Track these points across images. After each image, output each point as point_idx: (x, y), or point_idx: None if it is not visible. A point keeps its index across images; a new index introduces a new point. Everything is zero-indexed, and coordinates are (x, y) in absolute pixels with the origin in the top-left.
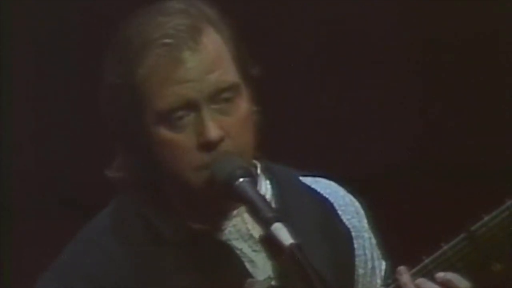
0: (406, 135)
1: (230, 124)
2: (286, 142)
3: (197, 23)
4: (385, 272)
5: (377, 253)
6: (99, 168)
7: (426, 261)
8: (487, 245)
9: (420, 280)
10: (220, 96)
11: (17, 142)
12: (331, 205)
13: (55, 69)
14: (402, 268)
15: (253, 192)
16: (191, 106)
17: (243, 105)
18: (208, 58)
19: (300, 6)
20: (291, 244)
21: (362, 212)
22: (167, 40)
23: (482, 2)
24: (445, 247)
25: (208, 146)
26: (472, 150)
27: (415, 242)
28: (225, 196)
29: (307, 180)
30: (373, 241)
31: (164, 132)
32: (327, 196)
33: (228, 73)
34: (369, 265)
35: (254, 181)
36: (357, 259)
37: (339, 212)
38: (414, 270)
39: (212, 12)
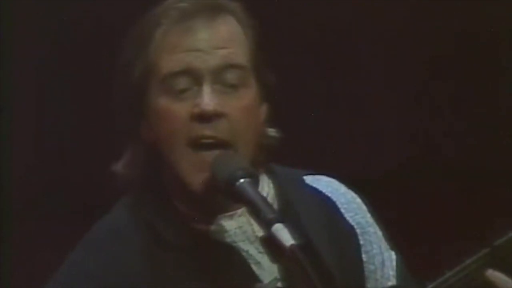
0: (406, 136)
1: (230, 107)
2: (287, 143)
3: (219, 5)
4: (397, 263)
5: (385, 245)
6: (99, 170)
7: (448, 274)
8: (510, 261)
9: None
10: (225, 75)
11: (17, 142)
12: (333, 203)
13: (56, 69)
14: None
15: (254, 193)
16: (194, 76)
17: (248, 97)
18: (220, 34)
19: (303, 6)
20: (292, 245)
21: (364, 207)
22: (183, 5)
23: (482, 2)
24: (468, 262)
25: (201, 116)
26: (474, 150)
27: (416, 243)
28: (226, 196)
29: (309, 179)
30: (379, 233)
31: (164, 101)
32: (329, 195)
33: (238, 55)
34: (379, 259)
35: (255, 182)
36: (364, 255)
37: (342, 211)
38: (434, 283)
39: (237, 6)
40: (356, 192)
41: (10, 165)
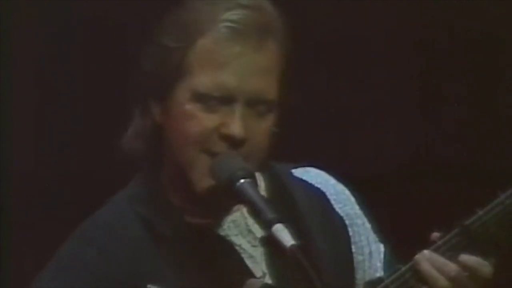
0: (406, 136)
1: (255, 132)
2: (287, 141)
3: (267, 27)
4: (385, 256)
5: (373, 236)
6: (100, 169)
7: None
8: (481, 239)
9: (439, 262)
10: (256, 105)
11: (17, 142)
12: (323, 194)
13: (56, 69)
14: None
15: (254, 193)
16: (228, 97)
17: (271, 119)
18: (263, 62)
19: (308, 6)
20: (292, 245)
21: (353, 199)
22: (232, 25)
23: (481, 2)
24: (439, 242)
25: (228, 139)
26: (472, 150)
27: (414, 242)
28: (226, 196)
29: (297, 172)
30: (367, 225)
31: (192, 107)
32: (318, 186)
33: (272, 87)
34: (367, 250)
35: (255, 182)
36: (353, 246)
37: (332, 202)
38: (408, 265)
39: (281, 25)
40: (354, 190)
41: (10, 165)
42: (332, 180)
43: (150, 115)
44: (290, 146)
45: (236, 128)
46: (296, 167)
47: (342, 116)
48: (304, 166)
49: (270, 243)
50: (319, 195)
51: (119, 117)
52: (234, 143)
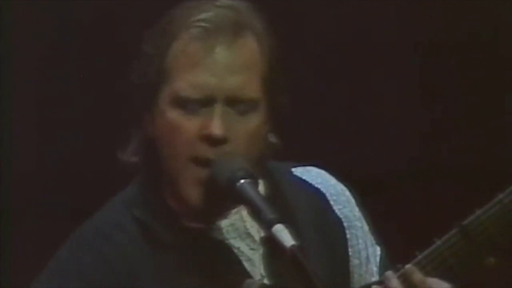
0: (406, 137)
1: (237, 132)
2: (288, 140)
3: (242, 24)
4: (381, 259)
5: (370, 240)
6: (100, 170)
7: (419, 257)
8: (479, 239)
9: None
10: (236, 104)
11: (18, 143)
12: (323, 195)
13: (56, 69)
14: (389, 273)
15: (254, 193)
16: (207, 98)
17: (256, 120)
18: (238, 59)
19: (308, 6)
20: (293, 245)
21: (353, 200)
22: (205, 24)
23: (482, 2)
24: (438, 243)
25: (208, 140)
26: (472, 150)
27: (415, 244)
28: (226, 197)
29: (298, 171)
30: (366, 228)
31: (174, 114)
32: (318, 186)
33: (251, 85)
34: (364, 254)
35: (256, 182)
36: (350, 249)
37: (331, 203)
38: (407, 266)
39: (259, 23)
40: (355, 190)
41: (10, 165)
42: (332, 181)
43: (144, 126)
44: (291, 146)
45: (215, 127)
46: (297, 166)
47: (343, 117)
48: (305, 165)
49: (270, 243)
50: (318, 196)
51: (120, 117)
52: (214, 142)
